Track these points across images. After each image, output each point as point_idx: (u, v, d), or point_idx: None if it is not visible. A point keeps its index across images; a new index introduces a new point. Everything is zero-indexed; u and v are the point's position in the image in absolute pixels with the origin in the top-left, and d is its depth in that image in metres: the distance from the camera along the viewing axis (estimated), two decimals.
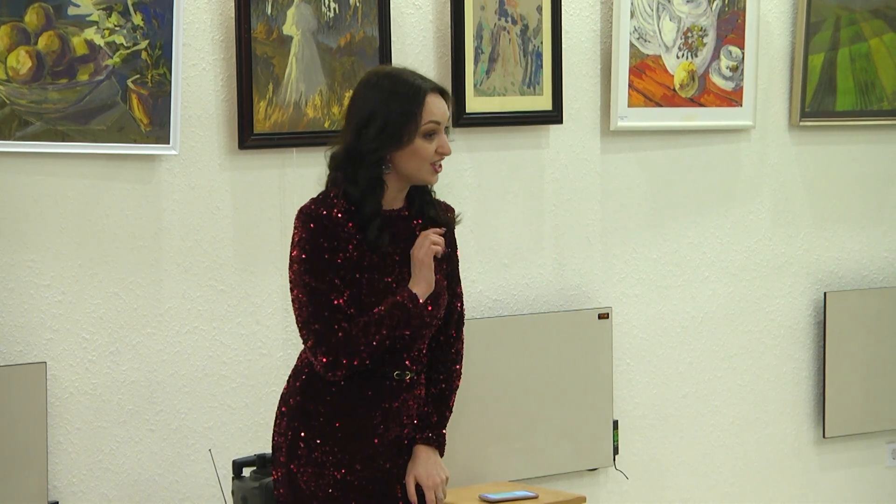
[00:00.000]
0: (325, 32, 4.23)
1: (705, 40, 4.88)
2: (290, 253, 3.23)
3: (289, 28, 4.17)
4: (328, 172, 3.29)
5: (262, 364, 4.25)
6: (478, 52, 4.48)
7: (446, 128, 3.29)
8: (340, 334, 3.18)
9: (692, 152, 4.96)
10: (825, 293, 5.15)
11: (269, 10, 4.13)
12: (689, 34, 4.86)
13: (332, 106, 4.25)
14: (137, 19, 3.96)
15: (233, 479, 3.82)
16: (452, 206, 3.41)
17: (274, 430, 3.34)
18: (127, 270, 4.06)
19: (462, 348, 3.44)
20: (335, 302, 3.19)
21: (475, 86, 4.48)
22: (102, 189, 4.02)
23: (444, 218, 3.34)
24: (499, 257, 4.60)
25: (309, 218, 3.21)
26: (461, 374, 3.44)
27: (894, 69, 5.24)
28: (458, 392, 3.42)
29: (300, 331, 3.24)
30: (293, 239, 3.23)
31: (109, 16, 3.93)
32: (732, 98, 4.95)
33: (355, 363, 3.20)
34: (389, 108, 3.21)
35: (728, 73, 4.93)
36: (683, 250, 4.98)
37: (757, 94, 4.98)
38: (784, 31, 5.08)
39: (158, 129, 4.00)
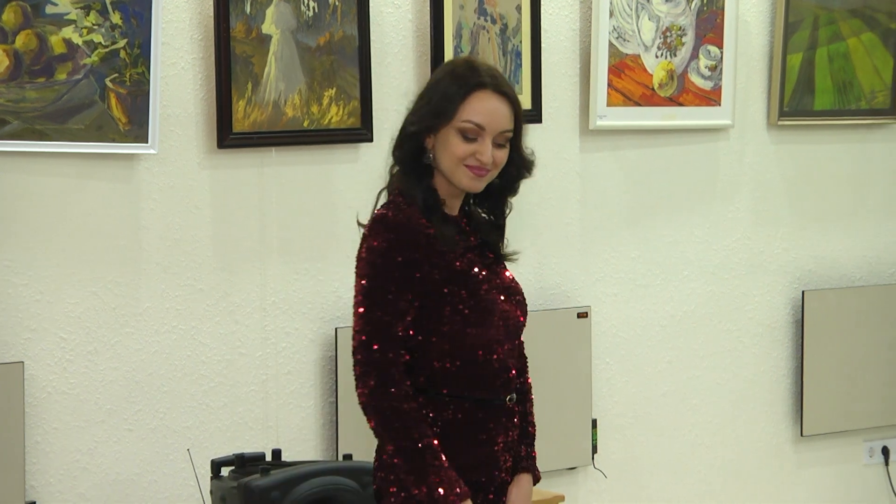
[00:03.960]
0: (304, 31, 4.23)
1: (684, 40, 4.89)
2: (357, 264, 2.94)
3: (268, 27, 4.17)
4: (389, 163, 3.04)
5: (240, 363, 4.25)
6: (457, 51, 4.47)
7: (511, 138, 2.99)
8: (384, 389, 2.87)
9: (671, 151, 4.97)
10: (803, 292, 5.17)
11: (248, 9, 4.12)
12: (668, 33, 4.87)
13: (312, 105, 4.25)
14: (116, 18, 3.95)
15: (211, 478, 3.81)
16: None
17: (377, 475, 3.03)
18: (105, 270, 4.05)
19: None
20: (394, 328, 2.90)
21: None
22: (81, 188, 4.01)
23: (499, 247, 3.06)
24: None
25: (385, 227, 2.91)
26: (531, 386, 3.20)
27: (872, 69, 5.26)
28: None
29: (352, 354, 2.96)
30: (360, 252, 2.94)
31: (87, 14, 3.91)
32: (711, 97, 4.96)
33: (373, 423, 2.91)
34: (436, 88, 2.97)
35: (707, 72, 4.94)
36: (662, 249, 4.98)
37: (735, 93, 4.99)
38: (762, 31, 5.09)
39: (137, 128, 3.99)
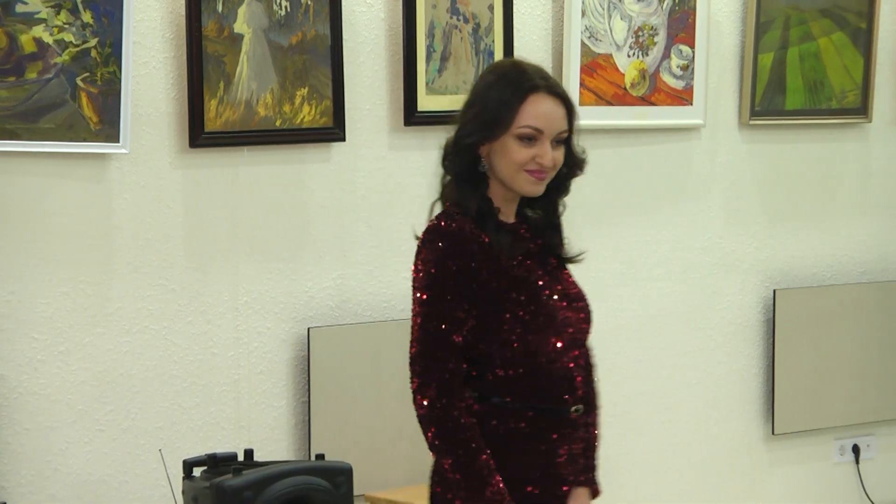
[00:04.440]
0: (276, 30, 4.22)
1: (656, 39, 4.90)
2: (413, 276, 2.90)
3: (240, 26, 4.16)
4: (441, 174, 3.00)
5: (213, 363, 4.24)
6: (429, 50, 4.47)
7: (567, 137, 2.96)
8: (443, 401, 2.83)
9: (643, 151, 4.98)
10: (775, 291, 5.19)
11: (219, 8, 4.11)
12: (640, 33, 4.88)
13: (284, 104, 4.24)
14: (87, 17, 3.93)
15: (183, 479, 3.80)
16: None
17: (434, 489, 2.98)
18: (76, 270, 4.03)
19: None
20: (452, 338, 2.86)
21: (427, 84, 4.48)
22: (52, 188, 4.00)
23: (560, 249, 3.03)
24: None
25: (439, 236, 2.87)
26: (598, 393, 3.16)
27: (843, 68, 5.28)
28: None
29: (409, 366, 2.90)
30: (416, 263, 2.91)
31: (58, 13, 3.90)
32: (683, 97, 4.97)
33: (430, 436, 2.87)
34: (488, 96, 2.91)
35: (678, 71, 4.95)
36: (634, 249, 4.99)
37: (707, 92, 5.00)
38: (734, 31, 5.11)
39: (108, 128, 3.97)
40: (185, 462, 3.81)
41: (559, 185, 3.04)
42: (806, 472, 5.36)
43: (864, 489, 5.45)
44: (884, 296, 5.41)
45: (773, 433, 5.24)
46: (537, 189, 2.96)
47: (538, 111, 2.91)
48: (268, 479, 3.65)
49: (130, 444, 4.12)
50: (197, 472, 3.79)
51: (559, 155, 2.97)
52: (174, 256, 4.17)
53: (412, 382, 2.88)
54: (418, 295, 2.88)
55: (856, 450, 5.43)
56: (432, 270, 2.87)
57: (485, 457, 2.84)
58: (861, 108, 5.33)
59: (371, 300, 4.48)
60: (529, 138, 2.91)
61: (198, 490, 3.70)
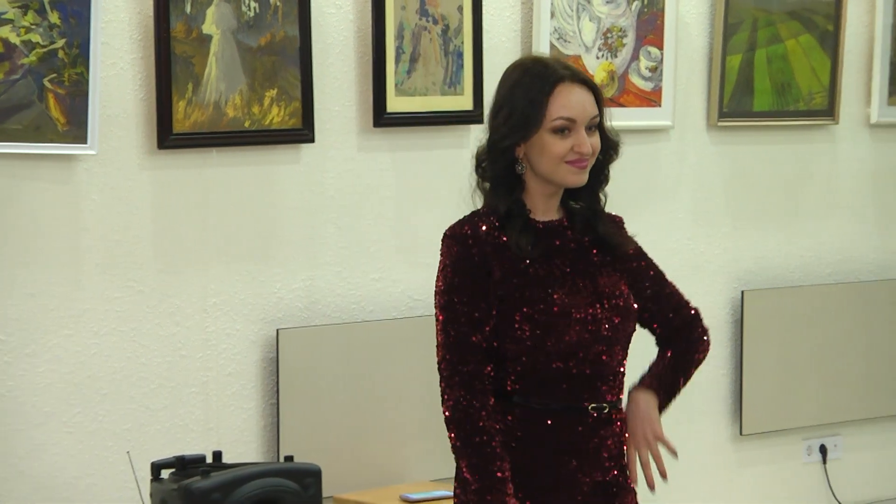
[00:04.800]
0: (245, 32, 4.21)
1: (625, 41, 4.92)
2: (436, 280, 2.95)
3: (208, 27, 4.15)
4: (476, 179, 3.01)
5: (181, 366, 4.22)
6: (399, 51, 4.47)
7: (598, 122, 2.95)
8: (463, 403, 2.87)
9: None
10: (743, 292, 5.21)
11: (188, 9, 4.10)
12: (609, 35, 4.89)
13: (253, 105, 4.23)
14: (54, 17, 3.92)
15: (151, 481, 3.79)
16: (615, 214, 3.12)
17: (456, 490, 2.98)
18: (44, 271, 4.01)
19: (705, 336, 3.13)
20: (472, 339, 2.89)
21: (396, 85, 4.48)
22: (19, 189, 3.98)
23: (615, 237, 3.03)
24: (420, 257, 4.60)
25: (453, 240, 2.92)
26: (707, 348, 3.12)
27: (810, 70, 5.30)
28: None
29: (437, 370, 2.95)
30: (439, 266, 2.96)
31: (25, 14, 3.88)
32: (651, 98, 4.98)
33: (453, 436, 2.89)
34: (515, 95, 2.92)
35: (647, 73, 4.96)
36: None
37: (676, 94, 5.02)
38: (702, 32, 5.12)
39: (76, 129, 3.96)
40: (153, 464, 3.80)
41: (598, 173, 3.03)
42: (774, 473, 5.38)
43: (832, 489, 5.48)
44: (851, 297, 5.44)
45: (741, 433, 5.26)
46: (581, 178, 2.95)
47: (568, 101, 2.91)
48: (236, 481, 3.65)
49: (98, 446, 4.10)
50: (165, 474, 3.78)
51: (596, 140, 2.97)
52: (143, 258, 4.16)
53: (440, 385, 2.94)
54: (438, 299, 2.93)
55: (823, 450, 5.46)
56: (449, 274, 2.92)
57: (500, 463, 2.86)
58: (828, 110, 5.36)
59: (340, 301, 4.47)
60: (564, 129, 2.91)
61: (166, 492, 3.69)
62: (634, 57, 4.94)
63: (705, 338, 3.15)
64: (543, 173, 2.94)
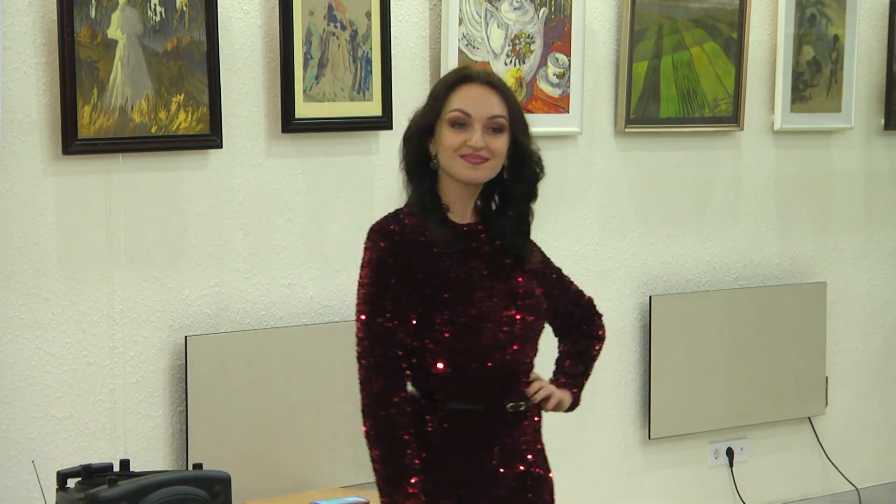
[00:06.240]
0: (151, 36, 4.17)
1: (532, 47, 4.94)
2: (359, 273, 3.00)
3: (113, 32, 4.11)
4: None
5: (87, 373, 4.18)
6: (307, 57, 4.46)
7: (505, 126, 3.03)
8: (382, 392, 2.92)
9: None
10: (650, 297, 5.26)
11: (92, 14, 4.06)
12: (517, 41, 4.91)
13: (159, 111, 4.20)
14: None
15: (57, 490, 3.74)
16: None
17: None
18: None
19: (601, 324, 3.27)
20: (395, 332, 2.95)
21: (304, 91, 4.46)
22: None
23: (522, 251, 3.10)
24: (329, 263, 4.60)
25: (380, 235, 2.99)
26: (605, 333, 3.27)
27: (715, 77, 5.37)
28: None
29: (357, 359, 3.00)
30: (362, 259, 3.01)
31: None
32: (559, 104, 5.02)
33: (366, 427, 2.95)
34: (429, 94, 3.09)
35: (555, 79, 5.00)
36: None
37: (583, 100, 5.06)
38: (609, 39, 5.17)
39: None
40: (58, 473, 3.76)
41: (525, 189, 3.11)
42: (681, 476, 5.44)
43: (738, 491, 5.54)
44: (756, 301, 5.51)
45: (648, 437, 5.30)
46: (474, 174, 3.02)
47: (467, 95, 3.01)
48: (144, 489, 3.62)
49: (2, 455, 4.04)
50: (71, 483, 3.73)
51: (497, 142, 3.04)
52: (47, 265, 4.11)
53: (359, 373, 2.98)
54: (362, 291, 2.98)
55: (730, 453, 5.52)
56: (375, 267, 2.97)
57: (410, 452, 2.92)
58: (733, 117, 5.43)
59: (249, 308, 4.45)
60: (460, 123, 3.01)
61: (72, 502, 3.65)
62: (542, 63, 4.97)
63: (602, 324, 3.30)
64: (445, 166, 3.04)
